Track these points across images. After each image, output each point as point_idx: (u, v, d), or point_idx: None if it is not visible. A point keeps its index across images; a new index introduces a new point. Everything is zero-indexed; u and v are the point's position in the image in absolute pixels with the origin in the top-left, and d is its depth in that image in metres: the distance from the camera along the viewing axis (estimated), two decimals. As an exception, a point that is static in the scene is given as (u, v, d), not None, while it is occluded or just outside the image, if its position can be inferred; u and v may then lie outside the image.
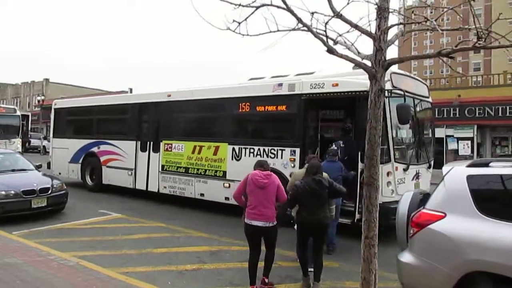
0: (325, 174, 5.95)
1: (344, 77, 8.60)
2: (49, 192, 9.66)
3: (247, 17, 3.12)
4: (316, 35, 2.77)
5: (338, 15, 2.68)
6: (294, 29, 2.97)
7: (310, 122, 9.15)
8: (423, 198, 4.88)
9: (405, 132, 8.67)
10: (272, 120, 9.74)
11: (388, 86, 7.92)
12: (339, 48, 2.90)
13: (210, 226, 9.14)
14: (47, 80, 59.66)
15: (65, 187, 10.28)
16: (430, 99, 9.64)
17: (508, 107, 22.41)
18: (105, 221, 9.65)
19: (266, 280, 5.58)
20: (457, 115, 23.40)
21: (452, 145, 23.58)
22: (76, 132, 15.06)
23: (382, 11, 2.70)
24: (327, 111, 9.91)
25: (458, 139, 23.77)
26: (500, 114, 22.58)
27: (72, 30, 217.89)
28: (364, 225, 2.95)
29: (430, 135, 9.83)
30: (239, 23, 3.22)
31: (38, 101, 42.48)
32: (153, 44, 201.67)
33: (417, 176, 8.67)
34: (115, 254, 7.05)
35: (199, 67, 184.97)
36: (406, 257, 4.36)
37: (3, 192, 9.02)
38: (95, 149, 13.77)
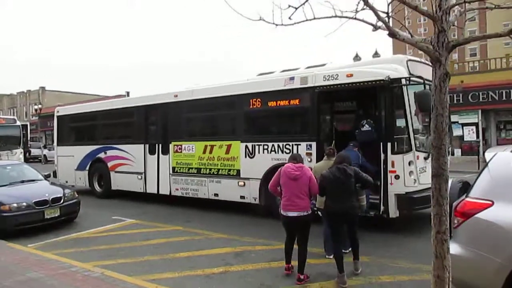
0: None
1: (359, 67, 8.41)
2: (61, 201, 9.45)
3: (305, 2, 2.89)
4: (379, 17, 2.57)
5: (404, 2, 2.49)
6: (356, 11, 2.76)
7: (325, 114, 8.97)
8: (462, 187, 4.71)
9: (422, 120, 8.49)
10: (285, 115, 9.54)
11: (405, 73, 7.77)
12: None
13: (228, 227, 8.95)
14: (43, 88, 59.36)
15: (77, 195, 10.09)
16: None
17: (511, 91, 22.28)
18: (121, 228, 9.45)
19: (301, 277, 5.59)
20: (461, 101, 23.24)
21: (457, 132, 23.41)
22: (81, 138, 14.84)
23: (443, -11, 2.52)
24: (341, 103, 9.72)
25: (463, 125, 23.63)
26: (504, 98, 22.48)
27: (68, 33, 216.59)
28: (435, 219, 2.77)
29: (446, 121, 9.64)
30: (296, 8, 3.01)
31: (36, 110, 42.10)
32: (151, 45, 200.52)
33: (437, 164, 8.49)
34: (137, 261, 6.85)
35: (199, 67, 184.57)
36: (452, 248, 4.16)
37: (15, 205, 8.80)
38: (101, 155, 13.56)
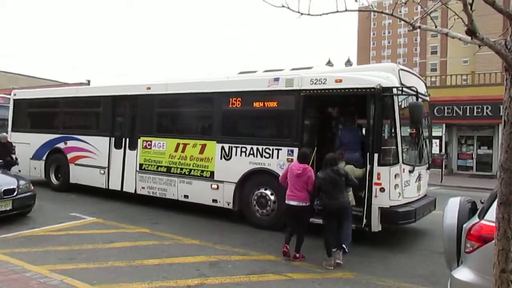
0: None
1: (349, 72, 8.09)
2: (15, 193, 8.57)
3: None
4: (469, 14, 2.16)
5: None
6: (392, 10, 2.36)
7: (309, 120, 8.58)
8: (471, 207, 4.42)
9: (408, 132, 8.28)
10: (267, 117, 9.10)
11: (396, 82, 7.51)
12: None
13: (200, 232, 8.39)
14: (-5, 69, 55.91)
15: (32, 187, 9.19)
16: (428, 98, 9.32)
17: (475, 107, 22.91)
18: (80, 226, 8.68)
19: (297, 255, 6.70)
20: (427, 114, 23.64)
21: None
22: (39, 126, 13.74)
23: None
24: (328, 109, 9.38)
25: (428, 138, 24.06)
26: (468, 114, 23.07)
27: (68, 34, 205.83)
28: (500, 255, 2.40)
29: (428, 134, 9.52)
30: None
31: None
32: (151, 45, 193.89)
33: (419, 177, 8.32)
34: (101, 267, 6.18)
35: (199, 68, 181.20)
36: (465, 275, 3.85)
37: (-39, 195, 7.88)
38: (61, 145, 12.60)
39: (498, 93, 22.87)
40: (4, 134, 12.87)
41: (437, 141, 23.92)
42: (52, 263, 6.19)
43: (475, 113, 22.91)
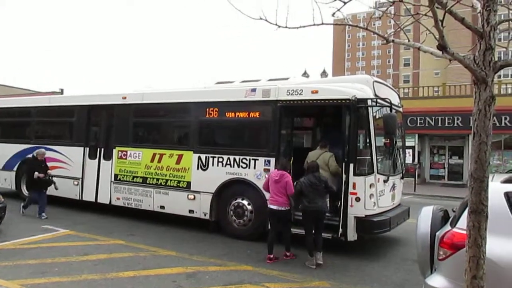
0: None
1: (325, 84, 8.22)
2: (-16, 206, 8.30)
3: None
4: (439, 29, 2.24)
5: (448, 10, 2.19)
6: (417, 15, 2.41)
7: (286, 130, 8.64)
8: (444, 215, 4.54)
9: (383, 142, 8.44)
10: (244, 127, 9.13)
11: (371, 94, 7.67)
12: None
13: (176, 243, 8.31)
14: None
15: (3, 199, 8.93)
16: (401, 109, 9.54)
17: (446, 118, 23.53)
18: (53, 239, 8.46)
19: (288, 253, 7.34)
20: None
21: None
22: (10, 135, 13.40)
23: (491, 2, 2.25)
24: (304, 119, 9.48)
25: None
26: (439, 124, 23.66)
27: (67, 34, 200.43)
28: (471, 262, 2.46)
29: (401, 144, 9.72)
30: None
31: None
32: (150, 45, 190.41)
33: (393, 187, 8.47)
34: (75, 280, 6.05)
35: (199, 67, 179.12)
36: (438, 282, 3.95)
37: None
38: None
39: (469, 104, 23.35)
40: (42, 150, 11.23)
41: (410, 151, 24.37)
42: (23, 277, 6.04)
43: (446, 124, 23.52)
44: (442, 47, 2.27)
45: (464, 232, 3.83)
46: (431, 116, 23.76)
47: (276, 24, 3.07)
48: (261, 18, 3.08)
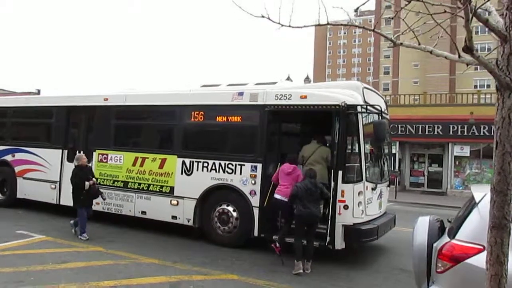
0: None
1: (314, 89, 8.10)
2: (-45, 210, 7.81)
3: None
4: (468, 28, 2.08)
5: (475, 12, 2.06)
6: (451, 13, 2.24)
7: (273, 135, 8.47)
8: (441, 226, 4.42)
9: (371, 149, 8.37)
10: (230, 132, 8.91)
11: (361, 100, 7.58)
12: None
13: (158, 250, 8.02)
14: None
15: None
16: (388, 116, 9.50)
17: (427, 126, 23.80)
18: (28, 246, 8.07)
19: (277, 245, 7.47)
20: (381, 132, 24.30)
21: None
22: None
23: (515, 4, 2.13)
24: (292, 124, 9.33)
25: (382, 155, 24.68)
26: (420, 132, 23.91)
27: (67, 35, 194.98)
28: (493, 280, 2.31)
29: (388, 152, 9.67)
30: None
31: None
32: (150, 45, 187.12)
33: (380, 195, 8.39)
34: (52, 290, 5.73)
35: (198, 68, 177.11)
36: (436, 296, 3.81)
37: None
38: (8, 158, 11.83)
39: (448, 113, 23.99)
40: (82, 154, 9.39)
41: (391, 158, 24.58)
42: (-4, 287, 5.68)
43: (427, 132, 23.79)
44: (469, 49, 2.14)
45: (465, 244, 3.74)
46: (412, 124, 24.00)
47: (279, 23, 2.90)
48: (263, 16, 2.91)
